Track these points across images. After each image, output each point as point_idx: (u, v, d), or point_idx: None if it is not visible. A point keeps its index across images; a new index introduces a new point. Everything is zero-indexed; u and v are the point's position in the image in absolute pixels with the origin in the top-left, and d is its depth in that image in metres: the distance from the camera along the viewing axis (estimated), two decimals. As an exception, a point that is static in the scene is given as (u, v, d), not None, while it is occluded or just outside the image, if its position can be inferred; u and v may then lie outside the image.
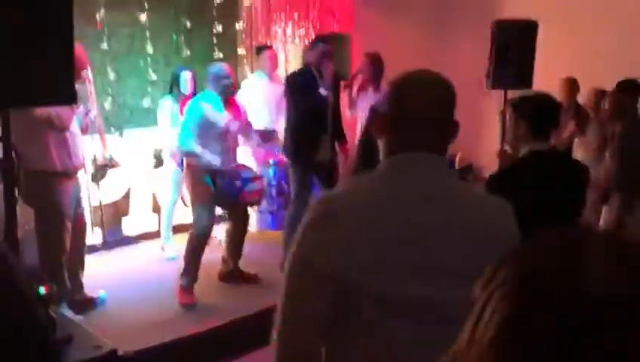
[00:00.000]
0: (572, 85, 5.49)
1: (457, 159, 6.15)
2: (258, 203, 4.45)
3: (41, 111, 3.15)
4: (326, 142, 4.50)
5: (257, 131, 5.52)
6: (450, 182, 1.26)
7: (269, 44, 5.96)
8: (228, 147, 4.13)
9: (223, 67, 4.18)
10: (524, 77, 4.26)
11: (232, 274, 4.36)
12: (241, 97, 5.55)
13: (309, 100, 4.37)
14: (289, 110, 4.57)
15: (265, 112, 5.50)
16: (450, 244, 1.16)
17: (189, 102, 4.22)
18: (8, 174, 2.04)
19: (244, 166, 4.29)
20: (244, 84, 5.66)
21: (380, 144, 1.29)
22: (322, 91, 4.36)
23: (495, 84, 4.31)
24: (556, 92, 5.58)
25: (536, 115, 2.40)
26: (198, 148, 3.96)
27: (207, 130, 3.97)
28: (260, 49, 5.71)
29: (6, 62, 1.85)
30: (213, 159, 3.98)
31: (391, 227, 1.15)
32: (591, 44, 6.06)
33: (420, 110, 1.23)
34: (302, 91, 4.38)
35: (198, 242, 4.05)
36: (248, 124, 4.43)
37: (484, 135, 5.89)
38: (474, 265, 1.14)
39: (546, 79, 5.37)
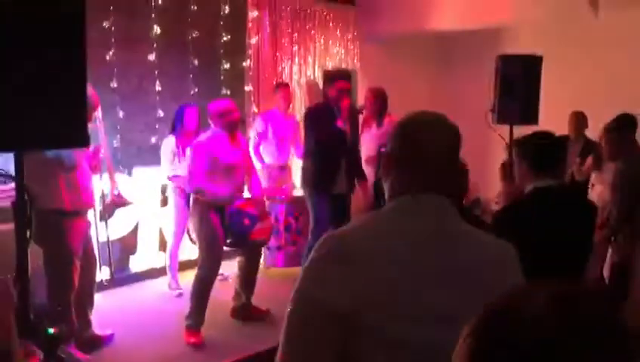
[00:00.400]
0: (579, 119, 5.52)
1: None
2: (267, 241, 4.41)
3: (52, 152, 3.19)
4: (342, 176, 4.62)
5: (270, 166, 5.60)
6: (454, 225, 1.24)
7: (285, 81, 6.08)
8: (234, 183, 4.10)
9: (227, 103, 4.18)
10: (530, 112, 4.28)
11: (244, 309, 4.31)
12: (253, 133, 5.66)
13: (326, 134, 4.53)
14: (307, 143, 4.74)
15: (278, 148, 5.58)
16: (453, 290, 1.15)
17: (196, 140, 4.22)
18: (21, 215, 2.05)
19: (251, 202, 4.25)
20: (257, 120, 5.74)
21: (385, 185, 1.29)
22: (340, 125, 4.53)
23: (501, 119, 4.32)
24: (562, 127, 5.64)
25: (537, 153, 2.41)
26: (206, 184, 3.93)
27: (213, 167, 3.96)
28: (276, 87, 5.82)
29: (20, 106, 1.88)
30: (222, 192, 3.95)
31: (396, 270, 1.14)
32: (593, 79, 6.12)
33: (425, 151, 1.23)
34: (320, 125, 4.56)
35: (205, 282, 3.98)
36: (249, 160, 4.41)
37: (490, 169, 5.90)
38: (474, 310, 1.14)
39: (551, 114, 5.42)
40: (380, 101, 5.43)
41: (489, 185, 6.27)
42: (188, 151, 4.13)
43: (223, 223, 4.00)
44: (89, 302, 3.82)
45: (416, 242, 1.17)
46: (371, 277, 1.13)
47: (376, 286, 1.12)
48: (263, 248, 4.60)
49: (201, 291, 3.97)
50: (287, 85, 5.88)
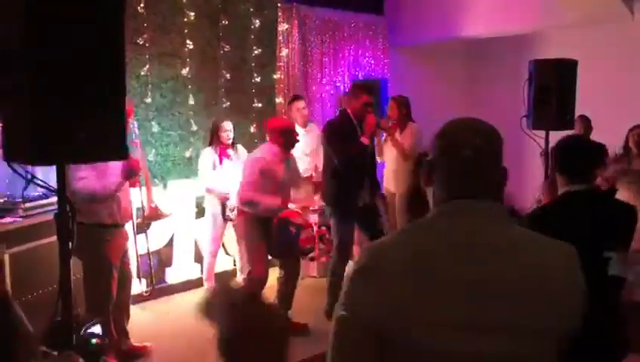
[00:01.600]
0: (584, 122, 5.42)
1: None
2: (312, 250, 4.44)
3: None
4: (366, 189, 4.52)
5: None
6: (506, 230, 1.20)
7: (297, 94, 5.92)
8: (284, 196, 4.21)
9: (288, 122, 4.38)
10: (565, 117, 4.20)
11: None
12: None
13: (348, 148, 4.38)
14: (327, 157, 4.57)
15: (301, 161, 5.57)
16: (503, 298, 1.11)
17: (251, 154, 4.38)
18: (64, 228, 2.09)
19: (294, 212, 4.28)
20: None
21: (429, 193, 1.28)
22: (363, 140, 4.41)
23: (536, 125, 4.25)
24: (598, 131, 5.52)
25: (566, 158, 2.40)
26: (258, 197, 4.03)
27: (268, 181, 4.06)
28: (290, 100, 5.69)
29: (61, 120, 1.92)
30: (273, 205, 4.04)
31: (438, 280, 1.11)
32: (630, 82, 5.99)
33: (462, 156, 1.21)
34: (341, 139, 4.40)
35: (252, 288, 4.02)
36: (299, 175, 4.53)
37: (526, 177, 5.80)
38: (529, 320, 1.11)
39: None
40: (403, 109, 5.44)
41: (524, 194, 6.16)
42: (243, 164, 4.31)
43: (268, 234, 4.08)
44: (126, 314, 3.88)
45: (462, 250, 1.14)
46: (402, 288, 1.11)
47: (406, 298, 1.10)
48: (300, 265, 4.61)
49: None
50: (300, 98, 5.66)
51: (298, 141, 4.27)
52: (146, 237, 4.37)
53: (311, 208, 5.23)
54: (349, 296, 1.17)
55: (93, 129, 1.96)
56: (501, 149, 1.25)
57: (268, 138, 4.27)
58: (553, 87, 4.16)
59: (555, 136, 3.64)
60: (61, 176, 2.09)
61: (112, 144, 2.05)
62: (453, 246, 1.14)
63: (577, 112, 4.37)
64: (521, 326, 1.11)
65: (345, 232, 4.47)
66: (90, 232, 3.33)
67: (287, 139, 4.15)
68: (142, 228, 4.23)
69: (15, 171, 2.07)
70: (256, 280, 4.07)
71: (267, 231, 4.09)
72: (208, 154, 4.85)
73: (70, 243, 2.14)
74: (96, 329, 2.32)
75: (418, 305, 1.10)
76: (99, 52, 1.94)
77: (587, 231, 2.17)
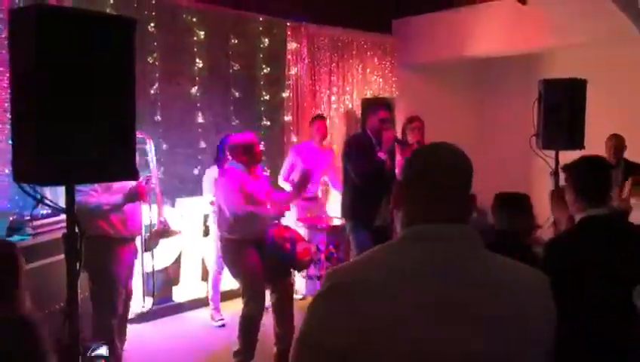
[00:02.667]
0: (619, 142, 5.39)
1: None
2: (312, 262, 4.30)
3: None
4: (385, 207, 4.51)
5: (305, 198, 5.59)
6: (473, 254, 1.17)
7: (321, 113, 6.11)
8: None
9: (250, 136, 4.05)
10: (576, 137, 4.18)
11: (288, 355, 4.11)
12: (289, 164, 5.69)
13: (364, 164, 4.41)
14: (346, 174, 4.62)
15: (314, 179, 5.59)
16: (476, 322, 1.08)
17: (220, 177, 4.12)
18: (72, 247, 2.09)
19: (282, 228, 4.13)
20: (293, 150, 5.78)
21: (398, 216, 1.28)
22: (381, 155, 4.42)
23: (546, 145, 4.23)
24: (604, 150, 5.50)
25: (586, 180, 2.30)
26: (255, 208, 3.83)
27: (247, 200, 3.85)
28: (313, 119, 5.84)
29: (70, 140, 1.93)
30: (271, 211, 3.91)
31: (401, 304, 1.08)
32: (636, 103, 5.97)
33: (436, 180, 1.20)
34: (359, 156, 4.45)
35: (252, 319, 3.86)
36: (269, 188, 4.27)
37: (536, 196, 5.78)
38: (502, 344, 1.08)
39: (596, 138, 5.29)
40: (423, 128, 5.38)
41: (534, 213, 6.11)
42: (221, 187, 3.97)
43: (263, 257, 3.90)
44: (123, 333, 3.75)
45: (417, 274, 1.12)
46: (366, 312, 1.08)
47: (371, 323, 1.07)
48: (298, 280, 4.50)
49: (249, 328, 3.87)
50: (323, 117, 5.88)
51: (260, 157, 4.04)
52: (152, 256, 4.33)
53: (318, 227, 5.20)
54: (314, 318, 1.14)
55: (103, 149, 1.97)
56: (470, 175, 1.24)
57: (230, 157, 4.05)
58: (563, 106, 4.15)
59: (565, 156, 3.63)
60: (70, 196, 2.09)
61: (122, 164, 2.05)
62: (425, 269, 1.12)
63: (587, 132, 4.34)
64: (495, 351, 1.08)
65: (363, 247, 4.40)
66: (96, 245, 3.31)
67: (250, 155, 3.91)
68: (150, 245, 4.19)
69: (25, 191, 2.08)
70: (253, 305, 3.85)
71: (261, 255, 3.89)
72: (211, 173, 4.83)
73: (78, 264, 2.14)
74: (102, 350, 2.30)
75: (391, 327, 1.07)
76: (110, 74, 1.95)
77: (611, 259, 2.13)
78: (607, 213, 2.24)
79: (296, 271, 5.23)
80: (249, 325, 3.87)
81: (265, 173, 4.27)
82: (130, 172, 2.06)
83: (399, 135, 5.50)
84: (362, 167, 4.42)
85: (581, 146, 4.27)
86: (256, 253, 3.88)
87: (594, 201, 2.25)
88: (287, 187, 5.64)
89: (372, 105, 4.81)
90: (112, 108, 1.99)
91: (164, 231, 4.04)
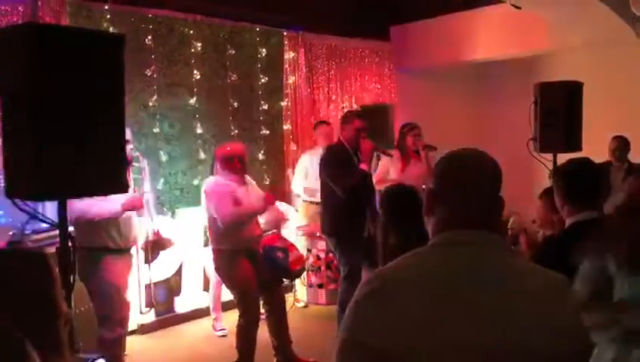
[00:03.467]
0: (621, 143, 5.37)
1: (510, 223, 6.00)
2: (304, 270, 4.30)
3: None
4: (369, 218, 4.33)
5: (310, 203, 5.62)
6: (506, 259, 1.22)
7: (325, 120, 6.11)
8: (252, 223, 4.00)
9: (236, 146, 4.09)
10: (573, 139, 4.18)
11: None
12: (300, 170, 5.69)
13: (347, 177, 4.20)
14: (325, 189, 4.40)
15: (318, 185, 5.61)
16: (506, 323, 1.12)
17: (209, 186, 4.06)
18: (65, 261, 2.11)
19: (274, 237, 4.14)
20: (301, 159, 5.81)
21: (429, 222, 1.29)
22: (363, 167, 4.27)
23: (543, 148, 4.23)
24: (606, 153, 5.48)
25: (572, 183, 2.23)
26: (238, 209, 3.82)
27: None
28: (315, 125, 5.89)
29: (62, 155, 1.95)
30: (256, 206, 3.87)
31: (444, 303, 1.13)
32: (636, 102, 5.96)
33: (463, 186, 1.23)
34: (341, 169, 4.26)
35: (248, 329, 3.88)
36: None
37: (535, 199, 5.78)
38: (531, 344, 1.11)
39: (594, 140, 5.28)
40: (421, 135, 5.29)
41: (534, 216, 6.10)
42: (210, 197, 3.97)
43: (256, 267, 3.91)
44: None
45: (451, 278, 1.16)
46: (406, 315, 1.12)
47: (410, 325, 1.11)
48: (299, 289, 4.50)
49: (247, 338, 3.89)
50: (326, 123, 5.90)
51: (243, 167, 4.02)
52: (149, 268, 4.29)
53: (317, 234, 5.20)
54: (354, 319, 1.18)
55: (94, 164, 1.99)
56: (500, 179, 1.28)
57: (218, 166, 4.06)
58: (559, 109, 4.16)
59: (564, 159, 3.62)
60: (62, 211, 2.11)
61: (113, 178, 2.07)
62: (456, 272, 1.17)
63: (585, 134, 4.34)
64: (524, 350, 1.11)
65: (353, 261, 4.28)
66: (92, 257, 3.34)
67: (232, 165, 3.94)
68: (148, 256, 4.18)
69: (18, 207, 2.10)
70: (248, 316, 3.86)
71: (253, 265, 3.90)
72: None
73: (72, 277, 2.16)
74: (100, 362, 2.31)
75: (424, 328, 1.11)
76: (99, 89, 1.98)
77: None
78: (596, 218, 2.18)
79: (297, 280, 5.26)
80: (246, 335, 3.88)
81: (250, 182, 4.22)
82: (121, 185, 2.08)
83: (396, 141, 5.49)
84: (344, 181, 4.19)
85: (578, 148, 4.27)
86: (248, 263, 3.89)
87: (579, 204, 2.20)
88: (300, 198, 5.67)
89: (346, 115, 4.65)
90: (102, 123, 2.02)
91: (158, 242, 4.02)
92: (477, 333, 1.11)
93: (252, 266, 3.91)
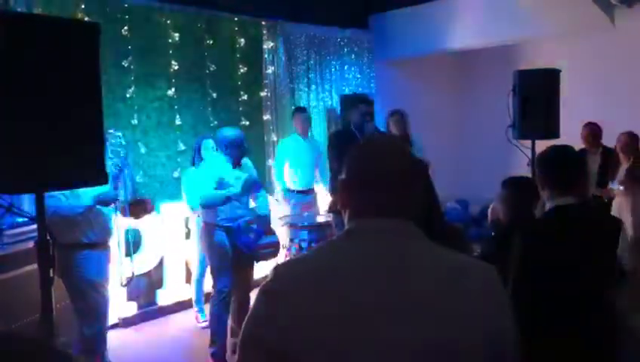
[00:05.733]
0: (594, 130, 5.44)
1: (490, 211, 6.06)
2: (274, 256, 4.34)
3: None
4: None
5: (293, 192, 5.64)
6: (416, 249, 1.13)
7: (302, 106, 6.16)
8: (242, 203, 4.12)
9: (237, 133, 4.17)
10: (551, 126, 4.22)
11: None
12: (278, 159, 5.73)
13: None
14: (332, 168, 4.70)
15: (302, 172, 5.62)
16: (412, 319, 1.04)
17: (201, 164, 4.29)
18: (44, 255, 2.07)
19: (255, 219, 4.19)
20: (280, 146, 5.80)
21: (344, 216, 1.23)
22: None
23: (521, 135, 4.26)
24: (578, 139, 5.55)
25: (553, 170, 2.26)
26: (213, 192, 3.95)
27: (220, 188, 3.98)
28: (294, 112, 5.93)
29: (38, 148, 1.91)
30: (234, 189, 3.95)
31: (341, 300, 1.05)
32: (614, 89, 6.04)
33: (370, 173, 1.17)
34: (342, 148, 4.45)
35: (221, 306, 4.00)
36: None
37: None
38: (442, 341, 1.03)
39: (573, 127, 5.34)
40: (406, 121, 5.44)
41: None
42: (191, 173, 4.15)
43: (232, 243, 4.05)
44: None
45: (354, 271, 1.09)
46: (300, 311, 1.06)
47: (304, 321, 1.05)
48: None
49: (220, 316, 4.00)
50: (303, 109, 5.95)
51: (243, 154, 4.13)
52: (131, 260, 4.13)
53: (299, 224, 5.20)
54: (255, 316, 1.12)
55: (72, 156, 1.95)
56: (408, 163, 1.21)
57: (218, 149, 4.19)
58: (537, 96, 4.18)
59: (542, 146, 3.65)
60: (40, 204, 2.07)
61: (91, 170, 2.04)
62: (357, 265, 1.10)
63: (563, 121, 4.39)
64: (432, 350, 1.04)
65: None
66: (65, 253, 3.29)
67: (231, 151, 4.04)
68: (135, 215, 3.86)
69: (-7, 200, 2.06)
70: (221, 289, 3.99)
71: (229, 241, 4.05)
72: (190, 175, 4.80)
73: (51, 271, 2.12)
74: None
75: (305, 328, 1.05)
76: (75, 79, 1.94)
77: (580, 252, 2.12)
78: (575, 203, 2.20)
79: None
80: (219, 312, 3.99)
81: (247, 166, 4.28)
82: (99, 177, 2.05)
83: (383, 129, 5.56)
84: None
85: (556, 135, 4.31)
86: (226, 238, 4.05)
87: (560, 191, 2.21)
88: (283, 187, 5.70)
89: (353, 100, 4.90)
90: (79, 116, 1.98)
91: (139, 202, 3.83)
92: (380, 335, 1.03)
93: (230, 242, 4.05)
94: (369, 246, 1.12)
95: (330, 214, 4.87)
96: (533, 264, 2.11)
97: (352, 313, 1.05)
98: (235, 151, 4.05)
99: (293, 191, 5.70)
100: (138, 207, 3.80)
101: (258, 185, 4.20)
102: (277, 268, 1.17)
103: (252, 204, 4.30)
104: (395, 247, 1.12)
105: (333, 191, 4.76)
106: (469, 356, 1.05)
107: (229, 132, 4.12)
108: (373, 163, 1.19)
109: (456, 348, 1.04)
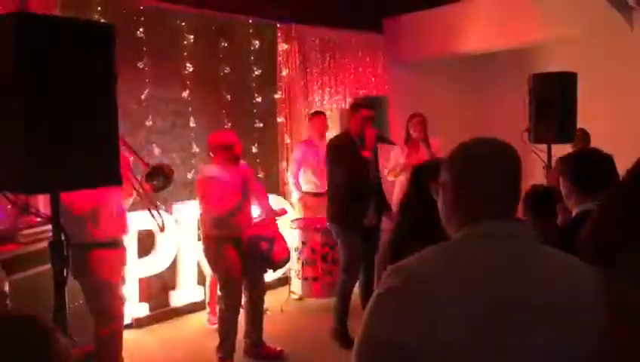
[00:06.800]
0: (584, 136, 5.38)
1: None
2: (288, 260, 4.34)
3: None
4: (372, 209, 4.43)
5: (308, 194, 5.64)
6: (531, 250, 1.17)
7: (320, 110, 6.13)
8: (244, 210, 4.08)
9: (229, 134, 4.15)
10: (567, 130, 4.19)
11: (255, 348, 4.22)
12: (293, 162, 5.72)
13: (348, 162, 4.33)
14: (331, 177, 4.53)
15: (314, 176, 5.62)
16: (532, 320, 1.08)
17: (200, 174, 4.16)
18: (58, 255, 2.08)
19: (262, 225, 4.18)
20: (295, 148, 5.84)
21: (445, 215, 1.25)
22: (366, 154, 4.36)
23: (537, 139, 4.24)
24: (599, 144, 5.48)
25: (581, 173, 2.27)
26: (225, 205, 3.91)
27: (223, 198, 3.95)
28: (311, 116, 5.92)
29: (55, 148, 1.92)
30: (232, 203, 3.91)
31: (470, 301, 1.08)
32: (630, 94, 5.96)
33: (496, 177, 1.19)
34: (344, 157, 4.37)
35: (228, 314, 4.00)
36: (255, 184, 4.33)
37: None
38: (560, 341, 1.07)
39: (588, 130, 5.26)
40: (426, 124, 5.51)
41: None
42: (199, 187, 4.07)
43: (241, 254, 4.02)
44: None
45: (482, 271, 1.11)
46: (434, 312, 1.07)
47: (439, 322, 1.06)
48: (295, 281, 4.51)
49: (227, 322, 4.01)
50: (320, 113, 5.93)
51: (239, 154, 4.08)
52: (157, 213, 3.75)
53: (312, 227, 5.19)
54: (375, 316, 1.12)
55: (86, 156, 1.96)
56: (520, 167, 1.23)
57: (212, 155, 4.12)
58: (553, 100, 4.16)
59: (558, 150, 3.61)
60: (55, 204, 2.09)
61: (106, 170, 2.05)
62: (483, 267, 1.12)
63: (579, 125, 4.34)
64: (556, 349, 1.08)
65: (352, 251, 4.36)
66: (80, 253, 3.29)
67: (228, 153, 4.00)
68: (157, 186, 3.65)
69: (9, 200, 2.07)
70: (230, 300, 3.98)
71: (239, 253, 4.01)
72: None
73: (65, 271, 2.13)
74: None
75: (441, 329, 1.05)
76: (91, 81, 1.95)
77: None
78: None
79: (292, 273, 5.25)
80: (227, 319, 4.00)
81: (244, 167, 4.24)
82: (114, 178, 2.06)
83: (403, 132, 5.60)
84: (344, 165, 4.34)
85: (572, 139, 4.29)
86: (234, 249, 4.00)
87: (586, 195, 2.22)
88: (295, 191, 5.70)
89: (353, 104, 4.74)
90: (94, 115, 1.99)
91: (158, 167, 3.66)
92: (527, 334, 1.06)
93: (238, 253, 4.02)
94: (496, 248, 1.14)
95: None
96: None
97: (483, 313, 1.07)
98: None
99: (309, 193, 5.71)
100: (160, 169, 3.66)
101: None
102: (398, 268, 1.15)
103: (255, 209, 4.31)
104: (518, 248, 1.16)
105: (330, 197, 4.56)
106: (583, 355, 1.10)
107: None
108: (496, 165, 1.20)
109: (575, 348, 1.09)
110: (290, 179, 5.87)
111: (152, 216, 3.60)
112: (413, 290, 1.10)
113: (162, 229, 3.98)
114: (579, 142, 5.33)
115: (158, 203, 4.17)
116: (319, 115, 5.88)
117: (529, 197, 2.85)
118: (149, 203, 3.67)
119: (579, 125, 4.29)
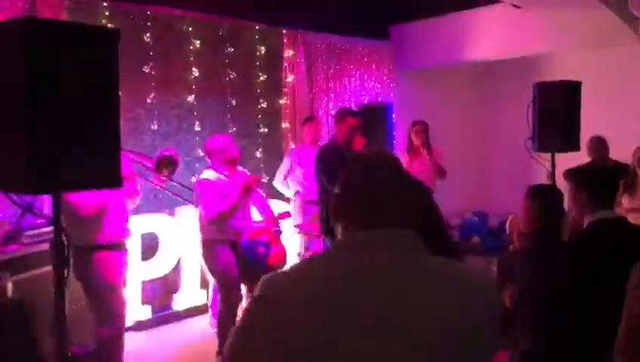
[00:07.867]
0: (602, 143, 5.37)
1: (508, 223, 5.99)
2: (284, 264, 4.35)
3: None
4: None
5: (307, 201, 5.63)
6: (411, 261, 1.10)
7: (311, 115, 6.14)
8: (242, 213, 4.10)
9: (225, 139, 4.18)
10: (571, 139, 4.17)
11: None
12: (287, 167, 5.70)
13: (337, 175, 4.27)
14: (321, 188, 4.42)
15: (309, 182, 5.61)
16: (401, 336, 1.01)
17: (198, 178, 4.21)
18: (59, 256, 2.10)
19: (260, 230, 4.20)
20: (292, 153, 5.82)
21: (336, 229, 1.23)
22: None
23: (541, 147, 4.22)
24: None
25: (600, 183, 2.37)
26: (222, 207, 3.93)
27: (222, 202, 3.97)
28: (303, 121, 5.91)
29: (56, 149, 1.94)
30: (234, 200, 3.92)
31: (333, 313, 1.03)
32: (635, 103, 5.96)
33: (358, 185, 1.20)
34: (333, 166, 4.21)
35: (229, 319, 4.00)
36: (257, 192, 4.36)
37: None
38: (426, 355, 1.00)
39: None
40: (427, 131, 5.54)
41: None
42: (197, 190, 4.12)
43: (238, 258, 4.04)
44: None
45: (345, 283, 1.06)
46: (290, 323, 1.04)
47: (294, 334, 1.03)
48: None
49: (226, 325, 4.00)
50: (313, 118, 5.94)
51: (236, 157, 4.11)
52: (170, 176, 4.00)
53: (315, 233, 5.19)
54: (238, 330, 1.10)
55: (88, 158, 1.98)
56: (401, 175, 1.22)
57: (208, 159, 4.17)
58: (558, 108, 4.14)
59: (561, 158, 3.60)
60: (57, 205, 2.10)
61: (107, 172, 2.06)
62: (334, 279, 1.08)
63: (583, 134, 4.33)
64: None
65: None
66: (82, 254, 3.32)
67: (222, 156, 4.03)
68: (168, 174, 3.92)
69: (11, 200, 2.09)
70: (228, 304, 4.01)
71: (237, 255, 4.05)
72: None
73: (65, 272, 2.15)
74: None
75: (294, 340, 1.02)
76: (94, 83, 1.97)
77: (623, 264, 2.12)
78: (615, 216, 2.35)
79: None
80: (226, 323, 3.99)
81: (242, 171, 4.28)
82: (115, 180, 2.07)
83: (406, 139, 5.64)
84: (334, 176, 4.28)
85: (576, 148, 4.27)
86: (232, 253, 4.03)
87: (601, 204, 2.33)
88: (283, 189, 5.70)
89: (339, 113, 4.67)
90: (96, 117, 2.01)
91: (167, 157, 3.80)
92: (370, 351, 1.00)
93: (235, 256, 4.05)
94: (362, 259, 1.09)
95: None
96: (583, 277, 2.14)
97: (344, 326, 1.02)
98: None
99: (302, 200, 5.69)
100: (163, 167, 3.79)
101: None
102: (268, 279, 1.15)
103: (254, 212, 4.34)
104: (397, 259, 1.10)
105: (321, 208, 4.50)
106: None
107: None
108: (360, 175, 1.22)
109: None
110: (278, 176, 5.80)
111: (185, 199, 3.92)
112: (276, 300, 1.09)
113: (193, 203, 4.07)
114: (595, 150, 5.32)
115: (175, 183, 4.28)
116: (311, 120, 5.85)
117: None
118: (173, 191, 4.04)
119: (583, 135, 4.27)
